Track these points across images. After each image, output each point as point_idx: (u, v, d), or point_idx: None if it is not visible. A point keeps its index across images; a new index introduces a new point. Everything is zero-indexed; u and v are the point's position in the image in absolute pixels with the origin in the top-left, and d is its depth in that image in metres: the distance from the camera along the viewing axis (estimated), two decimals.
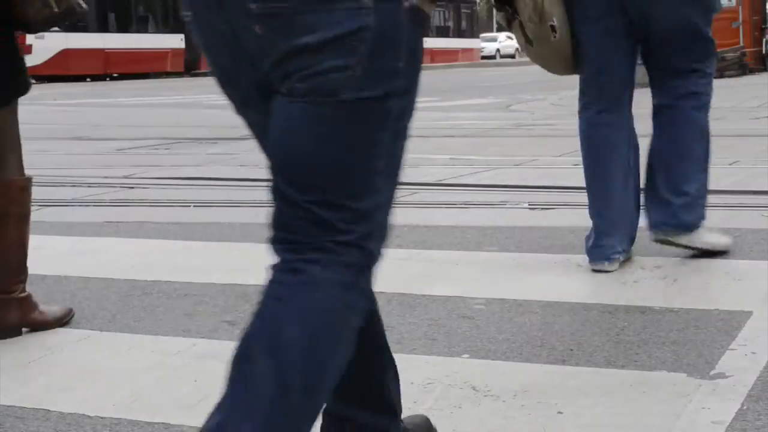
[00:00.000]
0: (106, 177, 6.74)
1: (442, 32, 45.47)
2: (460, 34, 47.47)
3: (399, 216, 5.58)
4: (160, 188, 6.35)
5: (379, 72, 1.75)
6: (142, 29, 34.95)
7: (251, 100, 1.87)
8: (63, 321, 3.39)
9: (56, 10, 3.30)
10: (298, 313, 1.76)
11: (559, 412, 2.44)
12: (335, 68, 1.72)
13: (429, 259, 4.13)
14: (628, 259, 3.93)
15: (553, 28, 3.74)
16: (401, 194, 6.47)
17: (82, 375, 2.86)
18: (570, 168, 6.87)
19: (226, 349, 3.04)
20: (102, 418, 2.50)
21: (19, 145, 3.40)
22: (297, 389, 1.74)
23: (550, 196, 5.49)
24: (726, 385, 2.57)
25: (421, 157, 7.68)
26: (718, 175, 5.37)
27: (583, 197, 5.32)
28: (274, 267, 1.81)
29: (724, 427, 2.31)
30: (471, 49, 48.17)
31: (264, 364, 1.74)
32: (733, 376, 2.63)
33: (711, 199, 4.97)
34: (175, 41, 35.14)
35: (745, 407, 2.42)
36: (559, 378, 2.68)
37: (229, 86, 1.90)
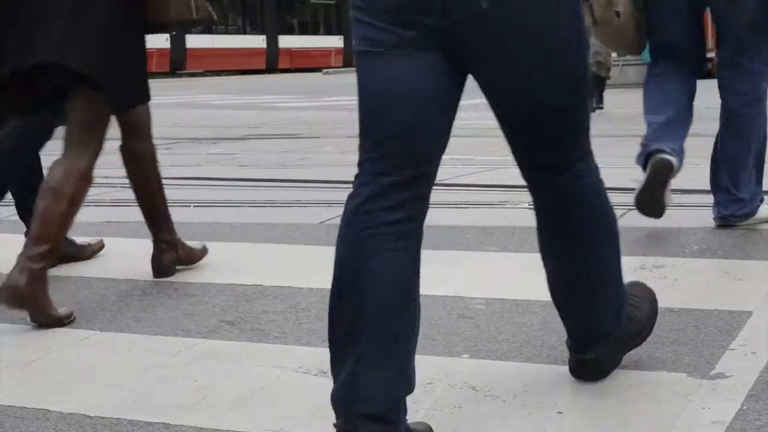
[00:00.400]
0: (106, 177, 6.72)
1: None
2: None
3: None
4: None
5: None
6: None
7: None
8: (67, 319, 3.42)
9: (195, 16, 3.65)
10: (588, 191, 2.41)
11: (559, 412, 2.44)
12: None
13: (429, 259, 4.12)
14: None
15: (618, 13, 4.25)
16: None
17: (82, 375, 2.86)
18: None
19: (226, 349, 3.06)
20: (102, 418, 2.50)
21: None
22: (610, 241, 2.46)
23: None
24: (726, 385, 2.57)
25: None
26: None
27: None
28: (545, 172, 2.43)
29: (724, 427, 2.31)
30: None
31: (576, 241, 2.42)
32: (733, 376, 2.63)
33: (711, 198, 4.97)
34: (160, 41, 34.68)
35: (745, 407, 2.42)
36: (559, 378, 2.68)
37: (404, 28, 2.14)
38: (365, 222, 2.18)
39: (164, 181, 5.12)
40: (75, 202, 3.54)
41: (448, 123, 2.31)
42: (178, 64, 35.81)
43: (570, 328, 2.60)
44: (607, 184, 4.86)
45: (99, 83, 3.51)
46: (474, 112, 13.30)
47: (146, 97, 3.72)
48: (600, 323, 2.57)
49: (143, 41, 3.63)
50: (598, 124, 10.58)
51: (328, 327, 2.18)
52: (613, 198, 5.21)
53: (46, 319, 3.38)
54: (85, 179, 3.61)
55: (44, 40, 3.48)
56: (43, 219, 3.48)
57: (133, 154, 3.98)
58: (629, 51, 4.59)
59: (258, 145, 9.01)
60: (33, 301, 3.37)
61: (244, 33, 39.59)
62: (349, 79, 27.27)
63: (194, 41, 36.66)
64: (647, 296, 2.78)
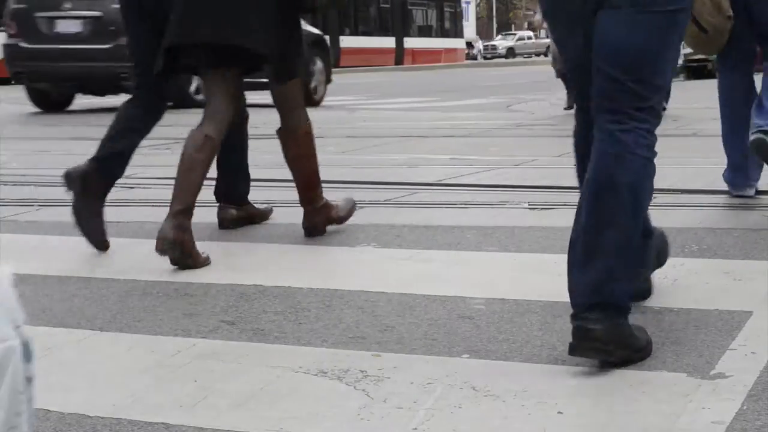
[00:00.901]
0: None
1: (425, 32, 44.51)
2: (443, 33, 46.22)
3: (399, 216, 5.60)
4: (160, 188, 6.34)
5: None
6: None
7: (579, 19, 2.84)
8: (351, 213, 4.68)
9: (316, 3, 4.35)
10: (623, 163, 2.76)
11: (559, 412, 2.44)
12: None
13: (429, 259, 4.13)
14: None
15: (729, 17, 4.59)
16: (401, 194, 6.49)
17: (82, 375, 2.86)
18: (570, 168, 6.84)
19: (226, 349, 3.06)
20: (102, 418, 2.50)
21: (302, 101, 4.55)
22: (629, 209, 2.77)
23: (550, 196, 5.49)
24: (726, 385, 2.57)
25: (421, 157, 7.67)
26: (717, 175, 5.38)
27: None
28: (601, 133, 2.82)
29: (724, 427, 2.31)
30: (455, 50, 47.01)
31: (606, 195, 2.76)
32: (733, 376, 2.63)
33: (711, 198, 4.98)
34: None
35: (745, 407, 2.42)
36: (559, 378, 2.68)
37: (560, 12, 2.92)
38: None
39: (164, 181, 5.12)
40: (312, 155, 4.57)
41: None
42: None
43: (582, 290, 2.76)
44: None
45: (270, 60, 4.26)
46: (473, 113, 13.30)
47: (301, 73, 4.52)
48: (610, 286, 2.74)
49: (299, 23, 4.38)
50: None
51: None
52: None
53: (346, 217, 4.64)
54: (308, 135, 4.52)
55: (216, 21, 4.14)
56: (303, 181, 4.54)
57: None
58: (720, 49, 4.92)
59: (258, 145, 8.98)
60: (331, 222, 4.58)
61: None
62: (348, 79, 27.23)
63: None
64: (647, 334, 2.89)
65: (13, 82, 15.40)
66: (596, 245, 2.76)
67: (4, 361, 1.66)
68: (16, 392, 1.69)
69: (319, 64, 14.74)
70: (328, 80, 15.18)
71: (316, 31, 14.75)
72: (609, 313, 2.72)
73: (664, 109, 12.08)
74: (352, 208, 4.70)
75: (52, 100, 14.23)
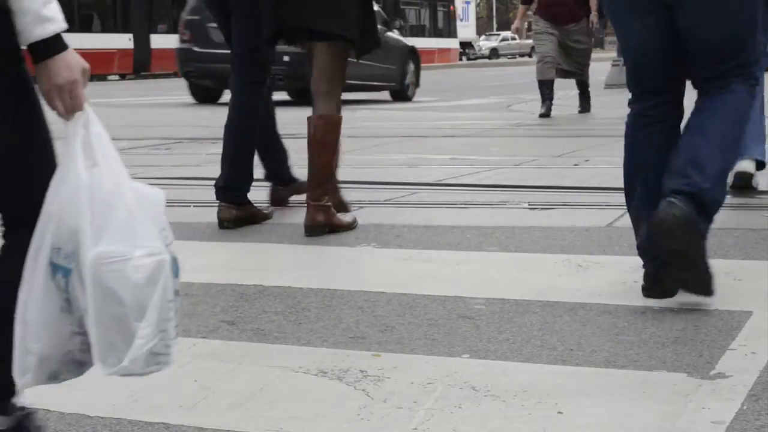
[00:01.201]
0: None
1: (418, 32, 44.27)
2: (436, 33, 45.91)
3: (399, 216, 5.57)
4: (160, 188, 6.34)
5: None
6: (86, 28, 31.90)
7: (644, 10, 3.31)
8: (352, 226, 4.65)
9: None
10: (727, 93, 3.30)
11: (559, 412, 2.44)
12: None
13: (429, 259, 4.13)
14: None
15: None
16: (401, 194, 6.46)
17: None
18: (570, 168, 6.87)
19: (226, 349, 3.06)
20: (102, 418, 2.50)
21: (341, 91, 4.72)
22: (730, 142, 3.28)
23: (550, 196, 5.49)
24: (726, 385, 2.57)
25: (421, 157, 7.67)
26: None
27: (583, 197, 5.30)
28: (706, 89, 3.34)
29: (724, 427, 2.31)
30: (448, 50, 46.80)
31: (709, 126, 3.26)
32: (733, 376, 2.63)
33: None
34: (123, 41, 32.89)
35: (745, 407, 2.42)
36: (559, 378, 2.68)
37: (620, 3, 3.39)
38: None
39: (164, 181, 5.12)
40: (336, 146, 4.67)
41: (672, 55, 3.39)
42: (142, 65, 34.39)
43: (674, 177, 3.20)
44: (605, 184, 4.90)
45: (353, 42, 4.64)
46: (473, 113, 13.29)
47: (378, 44, 4.81)
48: (700, 179, 3.17)
49: (372, 8, 4.74)
50: (587, 125, 10.55)
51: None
52: (612, 198, 5.25)
53: (343, 230, 4.61)
54: (338, 124, 4.68)
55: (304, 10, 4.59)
56: (319, 171, 4.58)
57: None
58: None
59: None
60: (330, 225, 4.58)
61: None
62: None
63: (161, 42, 34.74)
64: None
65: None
66: (696, 154, 3.18)
67: (156, 272, 1.88)
68: (165, 300, 1.87)
69: (412, 68, 17.32)
70: (417, 83, 17.38)
71: (410, 43, 17.63)
72: (694, 206, 3.14)
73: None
74: (353, 222, 4.72)
75: (208, 96, 16.76)
